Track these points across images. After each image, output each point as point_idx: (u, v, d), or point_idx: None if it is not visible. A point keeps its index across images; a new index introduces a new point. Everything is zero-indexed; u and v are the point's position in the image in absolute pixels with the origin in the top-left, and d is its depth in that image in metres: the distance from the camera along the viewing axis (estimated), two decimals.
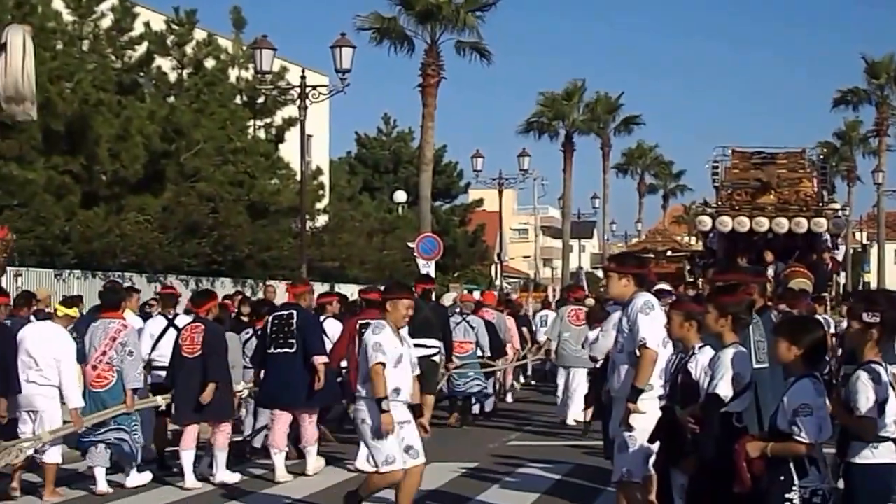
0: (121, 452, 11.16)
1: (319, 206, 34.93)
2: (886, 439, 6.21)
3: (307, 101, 24.58)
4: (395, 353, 8.63)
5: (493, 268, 53.22)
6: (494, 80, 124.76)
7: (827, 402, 6.12)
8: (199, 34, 30.23)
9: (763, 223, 21.85)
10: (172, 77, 29.32)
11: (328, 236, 33.83)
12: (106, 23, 27.50)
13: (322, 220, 35.24)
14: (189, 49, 29.70)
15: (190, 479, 11.29)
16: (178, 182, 27.28)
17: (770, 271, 19.71)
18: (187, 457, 11.37)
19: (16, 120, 10.61)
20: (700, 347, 7.19)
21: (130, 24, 27.92)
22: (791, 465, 6.02)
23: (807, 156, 24.78)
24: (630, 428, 7.77)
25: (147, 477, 11.48)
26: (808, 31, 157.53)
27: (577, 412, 15.73)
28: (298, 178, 28.14)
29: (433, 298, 16.08)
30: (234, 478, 11.61)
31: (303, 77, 25.00)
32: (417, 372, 9.03)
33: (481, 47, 37.20)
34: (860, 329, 6.26)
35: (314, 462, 12.18)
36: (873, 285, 51.85)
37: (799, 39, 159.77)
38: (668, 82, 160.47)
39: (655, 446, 7.32)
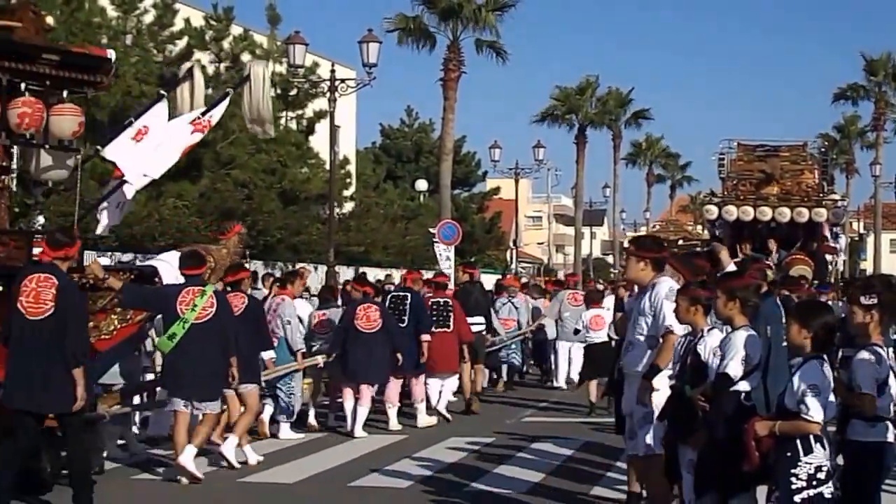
0: (278, 406, 12.44)
1: (346, 193, 34.93)
2: (883, 419, 6.17)
3: (336, 94, 24.53)
4: None
5: (508, 253, 53.13)
6: (512, 75, 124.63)
7: (830, 383, 6.07)
8: (236, 30, 30.18)
9: (766, 213, 21.70)
10: (210, 70, 29.30)
11: (354, 222, 33.84)
12: (148, 18, 27.48)
13: (348, 206, 35.25)
14: (226, 44, 29.65)
15: (358, 431, 12.90)
16: (214, 169, 27.28)
17: (773, 259, 19.63)
18: (362, 412, 13.04)
19: (257, 137, 11.18)
20: (708, 330, 7.13)
21: (171, 20, 27.89)
22: (798, 443, 5.97)
23: (808, 149, 24.61)
24: (649, 403, 7.68)
25: (295, 434, 12.73)
26: (809, 28, 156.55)
27: (567, 377, 18.41)
28: (327, 167, 28.12)
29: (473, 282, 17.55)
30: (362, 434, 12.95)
31: (332, 71, 24.94)
32: None
33: (499, 47, 37.10)
34: (861, 312, 6.21)
35: (418, 418, 14.01)
36: (870, 273, 51.57)
37: (801, 37, 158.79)
38: (676, 77, 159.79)
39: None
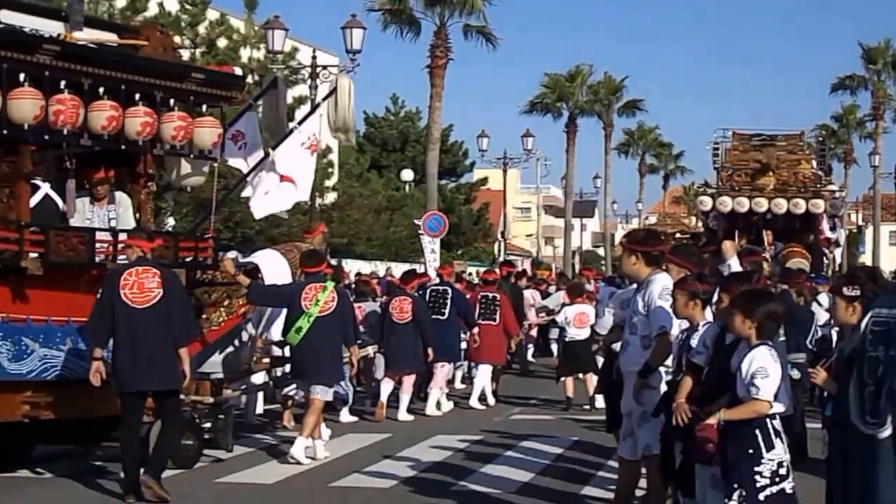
0: (337, 393, 12.69)
1: (328, 183, 34.83)
2: None
3: (317, 81, 24.43)
4: None
5: (496, 245, 53.14)
6: (500, 62, 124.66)
7: (779, 368, 6.07)
8: (212, 14, 30.03)
9: (762, 204, 21.77)
10: (186, 56, 29.13)
11: (337, 213, 33.77)
12: (121, 2, 27.33)
13: (331, 197, 35.16)
14: (202, 29, 29.50)
15: (402, 415, 14.33)
16: None
17: (769, 251, 19.65)
18: (405, 399, 14.52)
19: (341, 144, 12.36)
20: (704, 324, 7.09)
21: (145, 4, 27.73)
22: (759, 439, 6.00)
23: (805, 138, 24.67)
24: (644, 403, 7.63)
25: (352, 417, 14.04)
26: (807, 16, 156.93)
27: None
28: None
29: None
30: (408, 417, 14.38)
31: (314, 57, 24.83)
32: None
33: (487, 32, 37.11)
34: (843, 304, 6.24)
35: (437, 405, 15.22)
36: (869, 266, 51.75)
37: (798, 25, 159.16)
38: (670, 65, 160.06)
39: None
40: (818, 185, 22.93)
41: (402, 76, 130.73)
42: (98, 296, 9.21)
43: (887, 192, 66.40)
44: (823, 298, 16.05)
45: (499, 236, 51.97)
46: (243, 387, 12.24)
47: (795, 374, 10.18)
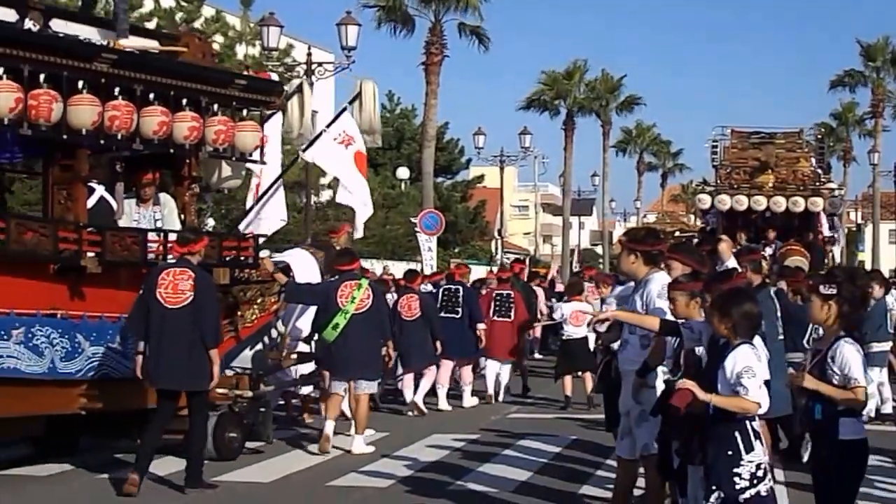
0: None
1: (324, 181, 34.80)
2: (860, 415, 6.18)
3: (313, 78, 24.47)
4: None
5: (493, 243, 53.18)
6: (497, 59, 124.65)
7: (764, 367, 6.12)
8: (208, 11, 30.07)
9: (761, 202, 21.77)
10: None
11: (332, 211, 33.74)
12: None
13: (326, 194, 35.15)
14: (197, 25, 29.53)
15: (443, 404, 15.34)
16: None
17: (768, 250, 19.69)
18: (442, 391, 15.47)
19: (367, 146, 13.55)
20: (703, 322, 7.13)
21: (140, 1, 27.76)
22: (738, 441, 6.05)
23: (804, 136, 24.68)
24: (643, 402, 7.68)
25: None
26: (806, 12, 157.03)
27: None
28: None
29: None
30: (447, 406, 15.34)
31: (309, 54, 24.85)
32: None
33: (480, 32, 37.10)
34: (819, 302, 6.17)
35: (467, 399, 16.11)
36: (868, 265, 51.79)
37: (797, 21, 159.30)
38: (668, 62, 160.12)
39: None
40: (817, 184, 22.91)
41: (397, 73, 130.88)
42: (140, 291, 9.64)
43: (887, 190, 66.49)
44: None
45: (496, 234, 52.00)
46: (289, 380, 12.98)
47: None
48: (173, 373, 9.42)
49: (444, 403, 15.58)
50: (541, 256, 63.91)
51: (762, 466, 6.10)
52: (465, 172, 55.54)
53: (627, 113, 60.18)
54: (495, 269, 27.20)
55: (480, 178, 53.80)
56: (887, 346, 14.54)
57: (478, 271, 27.13)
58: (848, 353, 6.03)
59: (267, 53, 25.58)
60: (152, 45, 11.67)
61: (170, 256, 10.21)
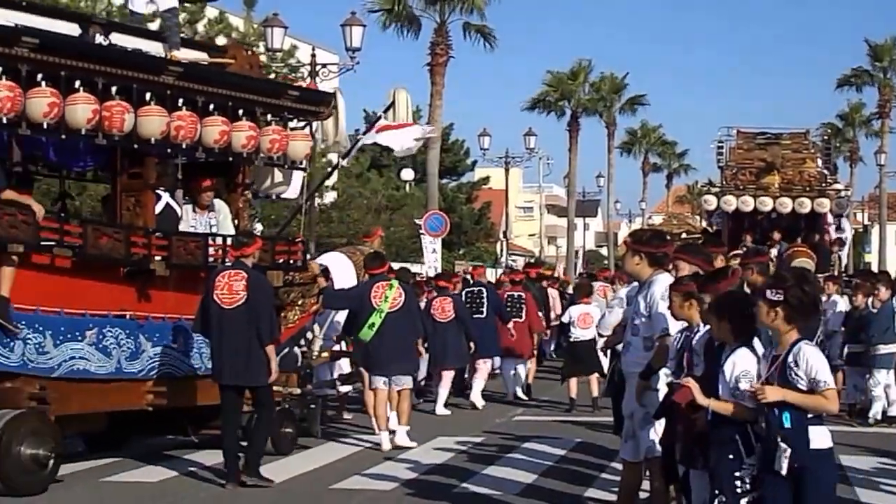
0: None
1: (328, 183, 34.85)
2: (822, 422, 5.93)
3: (317, 79, 24.48)
4: None
5: (498, 245, 53.18)
6: (502, 59, 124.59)
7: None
8: (211, 12, 30.06)
9: (767, 203, 21.79)
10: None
11: (336, 213, 33.84)
12: (118, 0, 27.37)
13: (331, 196, 35.21)
14: (200, 27, 29.53)
15: (440, 409, 15.40)
16: None
17: (774, 251, 19.68)
18: (443, 393, 15.60)
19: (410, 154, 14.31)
20: (704, 327, 7.11)
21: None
22: (740, 444, 6.02)
23: (810, 137, 24.67)
24: (647, 404, 7.66)
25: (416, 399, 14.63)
26: (812, 12, 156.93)
27: None
28: None
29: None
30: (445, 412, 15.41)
31: (313, 55, 24.87)
32: None
33: (486, 32, 37.11)
34: (765, 308, 5.89)
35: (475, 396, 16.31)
36: (874, 266, 51.73)
37: (803, 21, 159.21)
38: (673, 63, 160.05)
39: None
40: (823, 184, 22.93)
41: (402, 74, 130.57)
42: (203, 294, 10.17)
43: (893, 190, 66.47)
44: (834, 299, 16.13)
45: (501, 236, 52.01)
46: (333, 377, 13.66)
47: None
48: (235, 370, 9.90)
49: (477, 398, 16.12)
50: (546, 258, 63.89)
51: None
52: (470, 174, 55.64)
53: (632, 113, 60.29)
54: (500, 271, 27.41)
55: (486, 179, 53.82)
56: (894, 348, 14.52)
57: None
58: (812, 357, 5.79)
59: (271, 55, 25.58)
60: (202, 56, 12.15)
61: (226, 260, 10.67)
